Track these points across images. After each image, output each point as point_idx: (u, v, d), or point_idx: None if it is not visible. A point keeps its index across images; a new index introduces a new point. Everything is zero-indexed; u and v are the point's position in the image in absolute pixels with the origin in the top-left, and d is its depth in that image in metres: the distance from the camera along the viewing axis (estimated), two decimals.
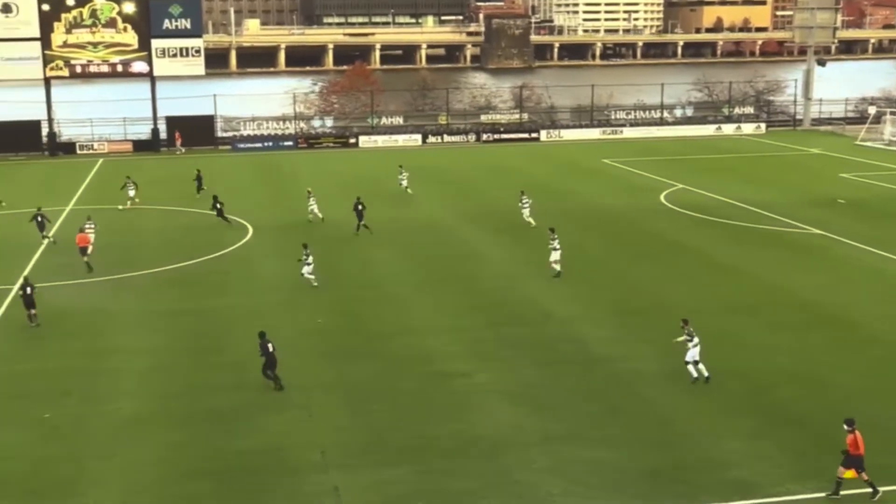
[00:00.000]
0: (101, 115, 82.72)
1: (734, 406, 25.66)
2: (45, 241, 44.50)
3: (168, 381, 27.88)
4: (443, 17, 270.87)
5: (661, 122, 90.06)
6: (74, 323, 33.46)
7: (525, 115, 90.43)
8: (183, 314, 34.27)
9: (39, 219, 45.11)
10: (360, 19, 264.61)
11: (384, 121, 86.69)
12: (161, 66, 77.94)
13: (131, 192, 54.05)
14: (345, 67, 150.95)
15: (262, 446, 23.64)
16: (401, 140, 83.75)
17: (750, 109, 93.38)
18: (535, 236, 45.58)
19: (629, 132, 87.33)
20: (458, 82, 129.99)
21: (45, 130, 78.58)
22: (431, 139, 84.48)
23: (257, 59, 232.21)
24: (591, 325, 32.58)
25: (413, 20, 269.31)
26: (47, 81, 77.32)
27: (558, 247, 38.21)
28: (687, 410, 25.45)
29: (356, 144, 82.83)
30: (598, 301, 35.40)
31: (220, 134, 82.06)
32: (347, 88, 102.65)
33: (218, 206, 49.08)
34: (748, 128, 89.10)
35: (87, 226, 42.64)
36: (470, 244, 44.70)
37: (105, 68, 78.00)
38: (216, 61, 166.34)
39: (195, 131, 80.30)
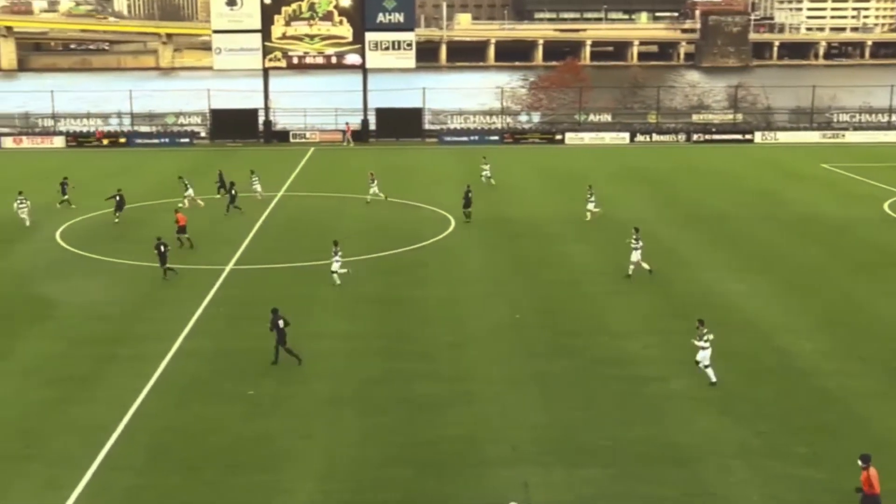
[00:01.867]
0: (313, 105, 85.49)
1: None
2: (116, 220, 47.49)
3: (366, 367, 28.34)
4: (657, 14, 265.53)
5: (889, 127, 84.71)
6: (280, 305, 34.37)
7: (739, 116, 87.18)
8: (383, 302, 34.81)
9: (118, 198, 48.00)
10: (572, 15, 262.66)
11: (592, 118, 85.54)
12: (373, 59, 79.87)
13: (190, 192, 52.42)
14: (554, 63, 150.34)
15: (455, 437, 23.64)
16: (608, 138, 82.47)
17: None
18: (738, 241, 43.91)
19: (852, 136, 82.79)
20: (670, 80, 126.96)
21: (261, 119, 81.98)
22: (639, 138, 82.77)
23: (467, 53, 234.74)
24: (799, 337, 30.90)
25: (626, 16, 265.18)
26: (266, 72, 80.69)
27: (640, 247, 37.14)
28: None
29: (562, 141, 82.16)
30: (807, 312, 33.56)
31: (427, 127, 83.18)
32: (556, 84, 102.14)
33: (233, 192, 50.65)
34: None
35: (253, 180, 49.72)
36: (670, 247, 43.34)
37: (320, 60, 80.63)
38: (426, 55, 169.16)
39: (403, 123, 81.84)
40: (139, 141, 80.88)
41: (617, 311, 33.82)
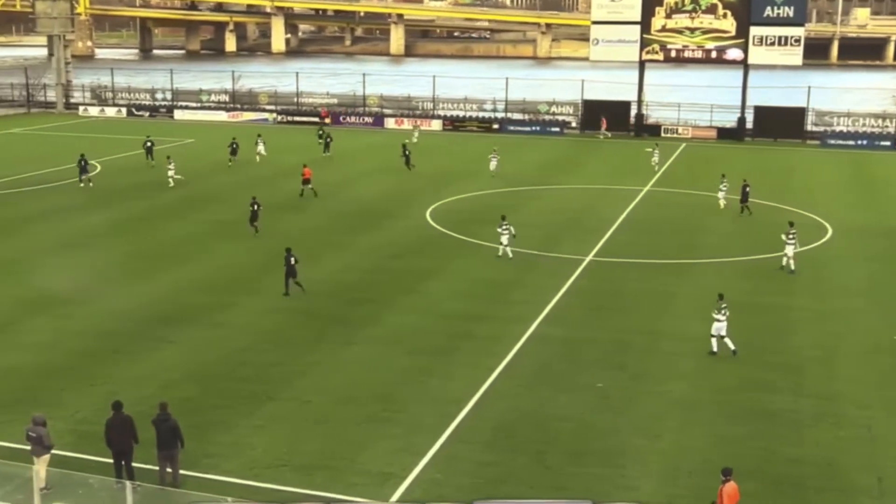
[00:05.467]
0: (687, 99, 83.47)
1: None
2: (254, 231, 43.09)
3: (721, 373, 27.07)
4: None
5: None
6: (637, 300, 33.91)
7: None
8: (744, 307, 33.04)
9: (255, 207, 42.80)
10: None
11: None
12: (756, 55, 76.51)
13: (261, 148, 62.95)
14: None
15: (813, 458, 21.98)
16: None
17: None
18: None
19: None
20: None
21: (633, 111, 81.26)
22: None
23: (861, 51, 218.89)
24: None
25: None
26: (641, 64, 79.85)
27: (793, 241, 36.97)
28: None
29: None
30: None
31: (809, 128, 78.50)
32: None
33: (405, 154, 60.02)
34: None
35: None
36: None
37: (699, 54, 78.50)
38: (814, 51, 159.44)
39: (783, 123, 77.84)
40: (511, 128, 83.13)
41: None
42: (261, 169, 58.95)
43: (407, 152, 60.64)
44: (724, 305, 28.21)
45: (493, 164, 58.95)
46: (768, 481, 20.85)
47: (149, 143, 62.05)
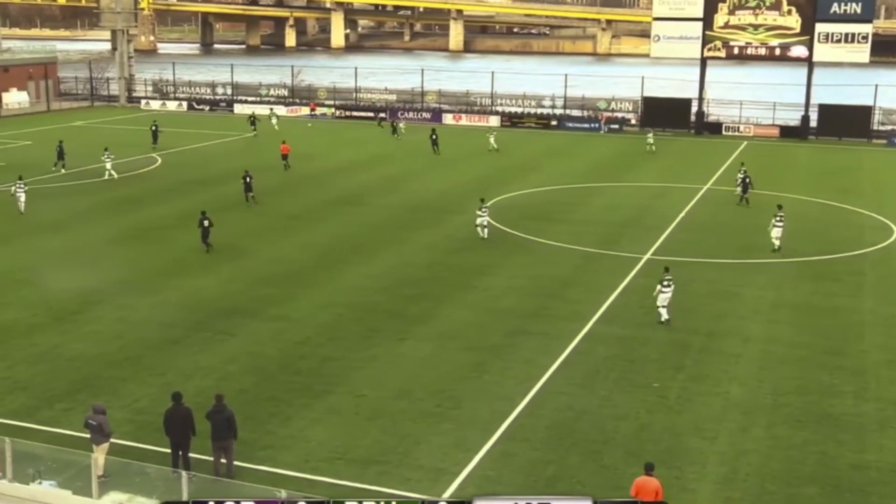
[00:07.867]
0: (750, 97, 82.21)
1: None
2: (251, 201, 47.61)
3: (782, 376, 26.59)
4: None
5: None
6: (695, 300, 33.36)
7: None
8: (809, 309, 32.56)
9: (248, 179, 48.00)
10: None
11: None
12: (821, 52, 75.17)
13: (274, 120, 73.82)
14: None
15: (877, 464, 21.46)
16: None
17: None
18: None
19: None
20: None
21: (694, 109, 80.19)
22: None
23: None
24: None
25: None
26: (703, 61, 78.78)
27: (781, 224, 38.79)
28: None
29: None
30: None
31: (876, 127, 76.83)
32: None
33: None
34: None
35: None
36: None
37: (762, 51, 77.29)
38: (882, 48, 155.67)
39: (848, 122, 76.25)
40: (570, 125, 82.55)
41: None
42: (319, 164, 59.27)
43: (434, 136, 65.56)
44: (668, 278, 30.22)
45: (491, 141, 66.62)
46: (829, 487, 20.44)
47: (154, 128, 66.59)
